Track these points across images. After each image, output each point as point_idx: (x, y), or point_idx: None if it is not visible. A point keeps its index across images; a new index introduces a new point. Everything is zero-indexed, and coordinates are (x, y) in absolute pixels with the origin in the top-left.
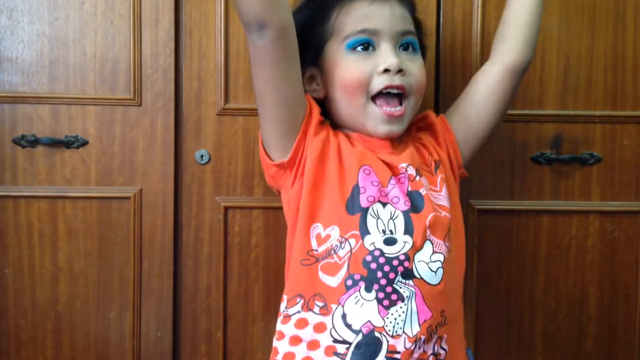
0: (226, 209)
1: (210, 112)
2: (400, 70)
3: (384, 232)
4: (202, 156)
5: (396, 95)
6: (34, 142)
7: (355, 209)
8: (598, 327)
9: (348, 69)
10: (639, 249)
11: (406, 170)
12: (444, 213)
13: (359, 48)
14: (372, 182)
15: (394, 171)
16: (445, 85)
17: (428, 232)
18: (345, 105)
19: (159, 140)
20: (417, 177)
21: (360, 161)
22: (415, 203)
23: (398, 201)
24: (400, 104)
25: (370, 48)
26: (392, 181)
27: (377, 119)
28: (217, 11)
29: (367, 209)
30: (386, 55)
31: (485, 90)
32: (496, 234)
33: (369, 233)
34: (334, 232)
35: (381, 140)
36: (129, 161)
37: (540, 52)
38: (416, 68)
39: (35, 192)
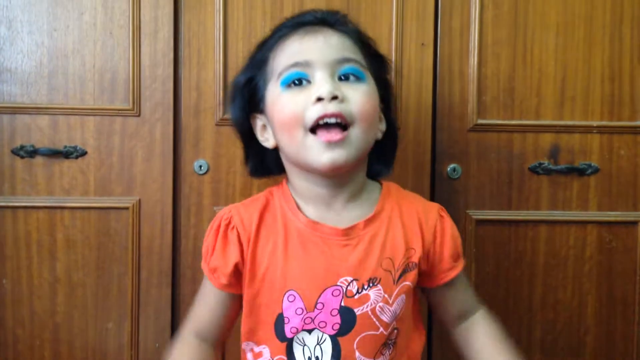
0: None
1: (208, 122)
2: (335, 98)
3: (309, 359)
4: (200, 166)
5: (337, 125)
6: (33, 153)
7: (281, 337)
8: (596, 337)
9: (283, 106)
10: (637, 259)
11: (346, 287)
12: (381, 330)
13: (293, 84)
14: (296, 311)
15: (329, 280)
16: (442, 96)
17: (357, 353)
18: (287, 144)
19: (158, 150)
20: (360, 293)
21: (285, 285)
22: (344, 324)
23: (325, 325)
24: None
25: (305, 82)
26: (320, 303)
27: (317, 148)
28: (215, 22)
29: (292, 338)
30: (319, 84)
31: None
32: (494, 244)
33: None
34: (266, 351)
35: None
36: (128, 171)
37: (538, 63)
38: (357, 95)
39: (33, 203)
